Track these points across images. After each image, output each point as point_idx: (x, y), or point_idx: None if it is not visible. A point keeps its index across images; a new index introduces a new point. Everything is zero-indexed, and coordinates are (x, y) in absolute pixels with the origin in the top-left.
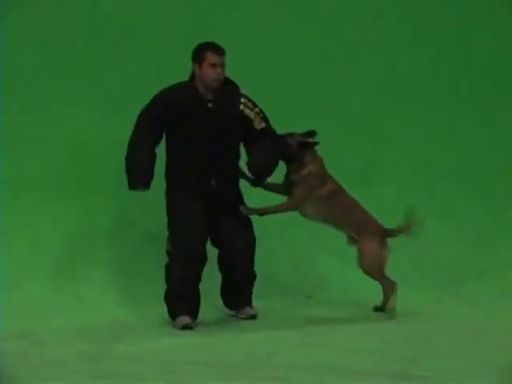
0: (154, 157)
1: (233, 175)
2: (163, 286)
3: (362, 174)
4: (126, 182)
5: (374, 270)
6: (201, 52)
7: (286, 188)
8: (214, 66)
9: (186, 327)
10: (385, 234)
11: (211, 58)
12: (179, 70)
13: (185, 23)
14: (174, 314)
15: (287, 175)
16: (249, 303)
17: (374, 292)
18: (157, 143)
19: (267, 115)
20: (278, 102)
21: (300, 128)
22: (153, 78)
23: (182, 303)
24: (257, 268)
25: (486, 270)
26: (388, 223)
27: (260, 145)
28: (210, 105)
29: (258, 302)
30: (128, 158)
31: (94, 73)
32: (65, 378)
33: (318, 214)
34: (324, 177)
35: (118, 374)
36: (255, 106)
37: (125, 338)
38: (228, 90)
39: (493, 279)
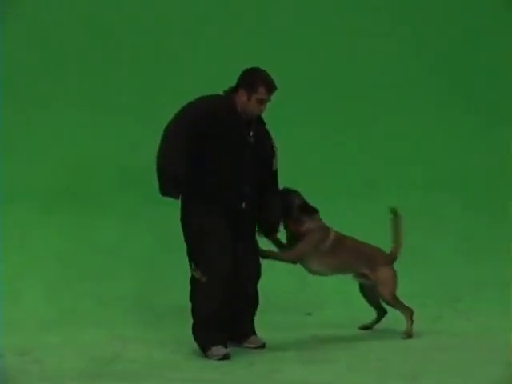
0: (186, 165)
1: (256, 202)
2: (163, 301)
3: (356, 187)
4: (126, 194)
5: (392, 297)
6: (255, 83)
7: (287, 244)
8: (262, 101)
9: (224, 358)
10: (392, 259)
11: (263, 94)
12: (180, 74)
13: (185, 25)
14: (207, 344)
15: (286, 228)
16: (254, 331)
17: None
18: (189, 151)
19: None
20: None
21: (298, 132)
22: (153, 84)
23: (216, 333)
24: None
25: (483, 284)
26: (383, 237)
27: (271, 202)
28: (249, 132)
29: (258, 319)
30: (163, 160)
31: (91, 84)
32: None
33: (328, 266)
34: (325, 229)
35: None
36: (275, 145)
37: (124, 354)
38: (257, 120)
39: (491, 294)
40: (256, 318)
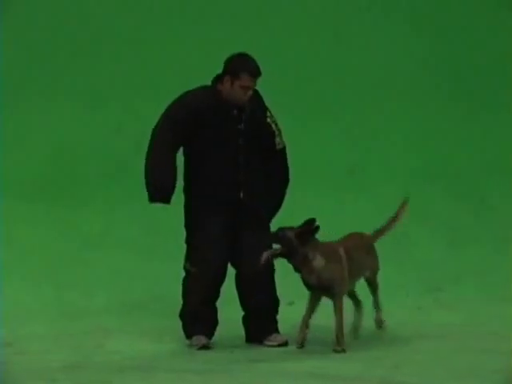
0: (175, 168)
1: (260, 189)
2: (147, 293)
3: (341, 177)
4: (109, 185)
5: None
6: (237, 70)
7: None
8: (246, 88)
9: (203, 347)
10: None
11: (246, 81)
12: (170, 69)
13: (170, 14)
14: (189, 333)
15: (297, 271)
16: (275, 329)
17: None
18: (177, 151)
19: None
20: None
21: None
22: (140, 76)
23: (199, 323)
24: None
25: (464, 273)
26: (365, 226)
27: (273, 187)
28: (235, 112)
29: (238, 308)
30: (147, 171)
31: (76, 70)
32: None
33: (351, 281)
34: (332, 252)
35: (101, 381)
36: (277, 123)
37: (107, 345)
38: (253, 98)
39: (472, 283)
40: (278, 317)
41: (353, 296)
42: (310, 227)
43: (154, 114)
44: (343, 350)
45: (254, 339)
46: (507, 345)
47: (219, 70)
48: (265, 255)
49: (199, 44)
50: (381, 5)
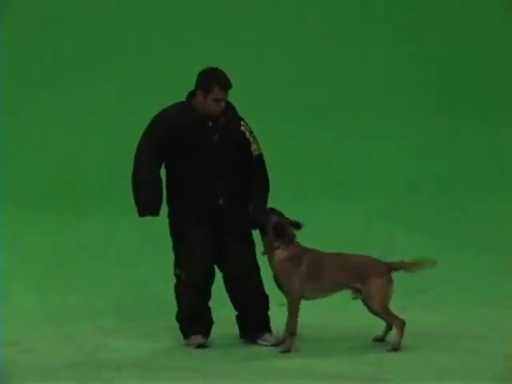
0: (160, 182)
1: (239, 195)
2: (144, 296)
3: (329, 187)
4: (109, 196)
5: (383, 309)
6: (208, 84)
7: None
8: (218, 101)
9: (199, 346)
10: (389, 269)
11: (217, 94)
12: (171, 82)
13: (171, 28)
14: (186, 334)
15: (263, 252)
16: (267, 329)
17: (344, 298)
18: (161, 165)
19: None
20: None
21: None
22: (143, 89)
23: (195, 324)
24: None
25: (447, 278)
26: (353, 234)
27: (252, 194)
28: (210, 124)
29: (230, 309)
30: (135, 186)
31: (80, 86)
32: (52, 383)
33: (314, 289)
34: (296, 255)
35: (102, 379)
36: (252, 131)
37: (107, 345)
38: (226, 110)
39: (453, 286)
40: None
41: None
42: (293, 224)
43: None
44: (285, 351)
45: (247, 337)
46: (485, 345)
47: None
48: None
49: (203, 60)
50: (371, 18)
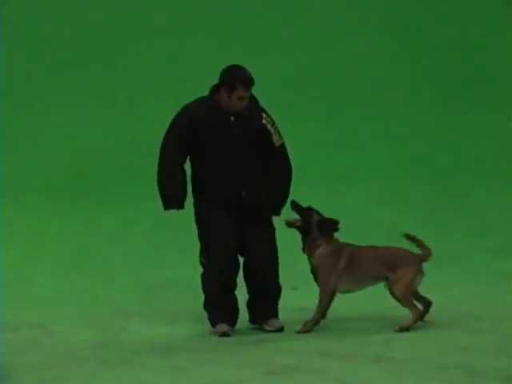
0: (184, 175)
1: (261, 186)
2: (163, 280)
3: (334, 175)
4: (125, 186)
5: (404, 296)
6: (232, 82)
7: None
8: (242, 98)
9: (223, 335)
10: (420, 259)
11: (241, 92)
12: (180, 78)
13: (179, 26)
14: (213, 322)
15: (303, 249)
16: (274, 315)
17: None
18: (185, 159)
19: None
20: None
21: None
22: (153, 85)
23: (220, 312)
24: None
25: (447, 260)
26: (360, 220)
27: (273, 183)
28: (233, 118)
29: (243, 293)
30: (160, 181)
31: (94, 81)
32: (73, 363)
33: (352, 282)
34: (337, 250)
35: (122, 360)
36: (274, 122)
37: (128, 326)
38: (249, 102)
39: (454, 267)
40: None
41: (419, 298)
42: (332, 222)
43: (164, 124)
44: (303, 332)
45: (255, 322)
46: (485, 323)
47: None
48: (286, 220)
49: (207, 55)
50: (371, 13)
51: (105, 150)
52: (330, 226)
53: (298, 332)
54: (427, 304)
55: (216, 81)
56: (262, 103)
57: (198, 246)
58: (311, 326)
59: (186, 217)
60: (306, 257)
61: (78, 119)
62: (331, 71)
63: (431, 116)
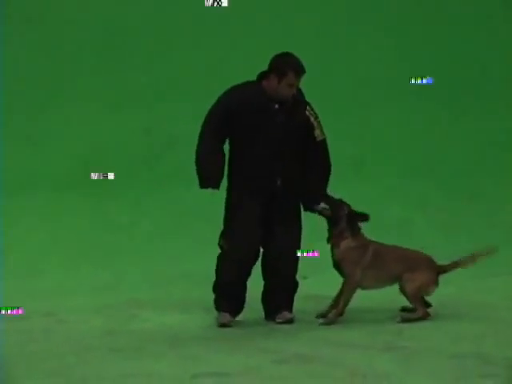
0: (223, 156)
1: (297, 178)
2: (174, 269)
3: (347, 169)
4: (136, 179)
5: (415, 294)
6: (284, 68)
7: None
8: (292, 86)
9: (223, 325)
10: (438, 268)
11: (292, 79)
12: (192, 69)
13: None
14: (217, 307)
15: (328, 239)
16: (287, 308)
17: None
18: (225, 141)
19: None
20: None
21: None
22: (164, 78)
23: (226, 300)
24: None
25: (458, 252)
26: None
27: (310, 173)
28: (277, 106)
29: (256, 282)
30: (197, 160)
31: (107, 72)
32: (84, 351)
33: (375, 279)
34: (363, 245)
35: (133, 348)
36: (317, 116)
37: (139, 315)
38: (295, 94)
39: None
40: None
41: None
42: (362, 216)
43: (178, 116)
44: (327, 324)
45: (269, 316)
46: (496, 312)
47: (240, 72)
48: (321, 205)
49: (216, 51)
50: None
51: (117, 142)
52: (359, 219)
53: (321, 324)
54: (427, 306)
55: (223, 76)
56: None
57: (211, 237)
58: (335, 317)
59: (199, 208)
60: (319, 246)
61: (90, 112)
62: (341, 64)
63: (445, 110)
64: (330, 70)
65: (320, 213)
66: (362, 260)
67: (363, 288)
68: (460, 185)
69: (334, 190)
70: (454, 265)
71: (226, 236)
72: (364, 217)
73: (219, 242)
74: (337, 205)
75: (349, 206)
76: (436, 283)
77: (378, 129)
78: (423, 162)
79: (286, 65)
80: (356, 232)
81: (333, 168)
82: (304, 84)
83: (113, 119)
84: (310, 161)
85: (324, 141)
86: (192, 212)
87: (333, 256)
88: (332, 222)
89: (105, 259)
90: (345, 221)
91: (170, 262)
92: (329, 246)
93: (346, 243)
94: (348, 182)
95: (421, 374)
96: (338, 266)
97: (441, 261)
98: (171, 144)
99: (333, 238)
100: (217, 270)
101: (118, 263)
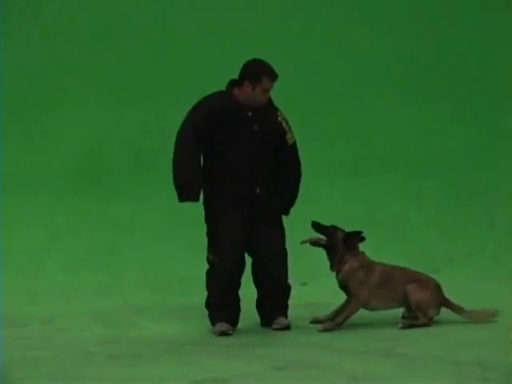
0: (201, 168)
1: (274, 184)
2: (172, 275)
3: (345, 166)
4: (136, 178)
5: (419, 301)
6: (258, 74)
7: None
8: (266, 91)
9: (222, 334)
10: (442, 302)
11: (267, 84)
12: (193, 69)
13: (190, 19)
14: (213, 321)
15: (331, 267)
16: (283, 313)
17: None
18: (201, 152)
19: None
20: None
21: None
22: (165, 77)
23: (221, 311)
24: None
25: (458, 255)
26: (364, 210)
27: (285, 180)
28: (250, 114)
29: (252, 292)
30: (175, 172)
31: (107, 71)
32: (83, 358)
33: (383, 299)
34: (368, 264)
35: (132, 355)
36: (287, 120)
37: (138, 322)
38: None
39: (465, 263)
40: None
41: None
42: (357, 235)
43: (178, 114)
44: (326, 330)
45: (265, 323)
46: (495, 318)
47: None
48: (309, 239)
49: (217, 49)
50: (380, 13)
51: (117, 143)
52: (355, 240)
53: (320, 330)
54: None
55: (222, 73)
56: (282, 98)
57: None
58: (333, 326)
59: (198, 211)
60: (312, 249)
61: (91, 112)
62: (341, 62)
63: (444, 108)
64: (330, 69)
65: (315, 244)
66: (368, 279)
67: (370, 308)
68: (458, 183)
69: (333, 188)
70: (458, 308)
71: (214, 249)
72: (360, 237)
73: (207, 256)
74: (330, 232)
75: (342, 230)
76: (437, 309)
77: (377, 127)
78: (422, 161)
79: (259, 71)
80: (356, 252)
81: (303, 171)
82: (304, 84)
83: (114, 118)
84: (282, 165)
85: (294, 144)
86: (193, 215)
87: (338, 280)
88: (330, 250)
89: (104, 262)
90: (341, 246)
91: (170, 266)
92: (333, 273)
93: (349, 265)
94: (346, 180)
95: (419, 380)
96: (344, 287)
97: (439, 260)
98: (171, 144)
99: (335, 266)
100: (208, 285)
101: (117, 266)
